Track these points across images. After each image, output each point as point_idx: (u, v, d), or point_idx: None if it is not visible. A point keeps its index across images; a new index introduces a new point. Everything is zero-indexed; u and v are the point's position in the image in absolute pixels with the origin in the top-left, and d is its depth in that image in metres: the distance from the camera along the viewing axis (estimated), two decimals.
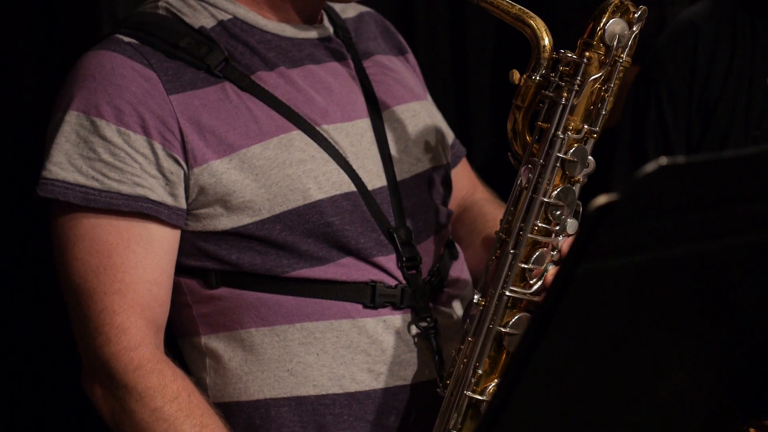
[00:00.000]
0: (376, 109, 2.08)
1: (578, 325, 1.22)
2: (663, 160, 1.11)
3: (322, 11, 2.13)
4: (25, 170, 2.09)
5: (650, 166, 1.11)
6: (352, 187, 1.98)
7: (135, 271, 1.89)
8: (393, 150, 2.07)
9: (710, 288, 1.29)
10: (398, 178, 2.04)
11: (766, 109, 2.59)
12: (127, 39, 1.95)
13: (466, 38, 3.16)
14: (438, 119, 2.22)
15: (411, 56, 2.31)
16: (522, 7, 1.90)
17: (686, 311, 1.29)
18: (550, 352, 1.21)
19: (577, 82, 1.85)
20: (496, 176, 2.23)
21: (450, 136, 2.27)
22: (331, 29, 2.12)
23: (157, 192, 1.90)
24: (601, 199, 1.12)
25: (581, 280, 1.17)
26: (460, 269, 2.12)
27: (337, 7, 2.20)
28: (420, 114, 2.15)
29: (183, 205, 1.93)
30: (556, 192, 1.87)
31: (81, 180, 1.89)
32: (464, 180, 2.33)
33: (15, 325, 2.37)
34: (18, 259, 2.37)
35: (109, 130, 1.89)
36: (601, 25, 1.85)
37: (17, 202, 2.27)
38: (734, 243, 1.25)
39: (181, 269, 1.97)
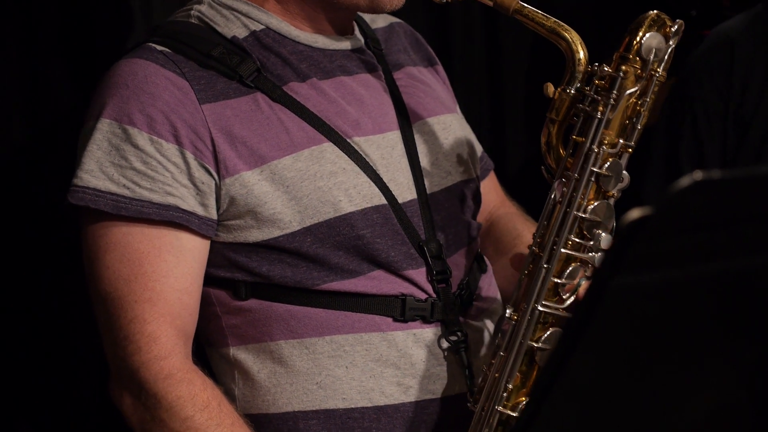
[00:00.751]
0: (407, 121, 2.07)
1: (609, 340, 1.21)
2: (698, 175, 1.09)
3: (354, 22, 2.12)
4: (56, 177, 2.09)
5: (685, 181, 1.09)
6: (383, 200, 1.97)
7: (166, 279, 1.89)
8: (424, 163, 2.05)
9: (744, 305, 1.27)
10: (428, 191, 2.03)
11: None
12: (159, 48, 1.95)
13: (500, 51, 3.15)
14: (468, 132, 2.21)
15: (440, 68, 2.30)
16: (557, 20, 1.89)
17: (719, 328, 1.28)
18: (580, 367, 1.20)
19: (613, 96, 1.84)
20: (530, 190, 2.22)
21: (479, 149, 2.26)
22: (362, 40, 2.11)
23: (188, 201, 1.90)
24: (635, 213, 1.11)
25: (613, 295, 1.16)
26: (488, 283, 2.11)
27: (367, 17, 2.19)
28: (451, 127, 2.14)
29: (214, 215, 1.92)
30: (590, 207, 1.85)
31: (112, 188, 1.89)
32: (492, 193, 2.32)
33: (42, 332, 2.37)
34: (47, 266, 2.37)
35: (141, 138, 1.89)
36: (638, 38, 1.84)
37: (48, 209, 2.27)
38: None
39: (210, 280, 1.96)
